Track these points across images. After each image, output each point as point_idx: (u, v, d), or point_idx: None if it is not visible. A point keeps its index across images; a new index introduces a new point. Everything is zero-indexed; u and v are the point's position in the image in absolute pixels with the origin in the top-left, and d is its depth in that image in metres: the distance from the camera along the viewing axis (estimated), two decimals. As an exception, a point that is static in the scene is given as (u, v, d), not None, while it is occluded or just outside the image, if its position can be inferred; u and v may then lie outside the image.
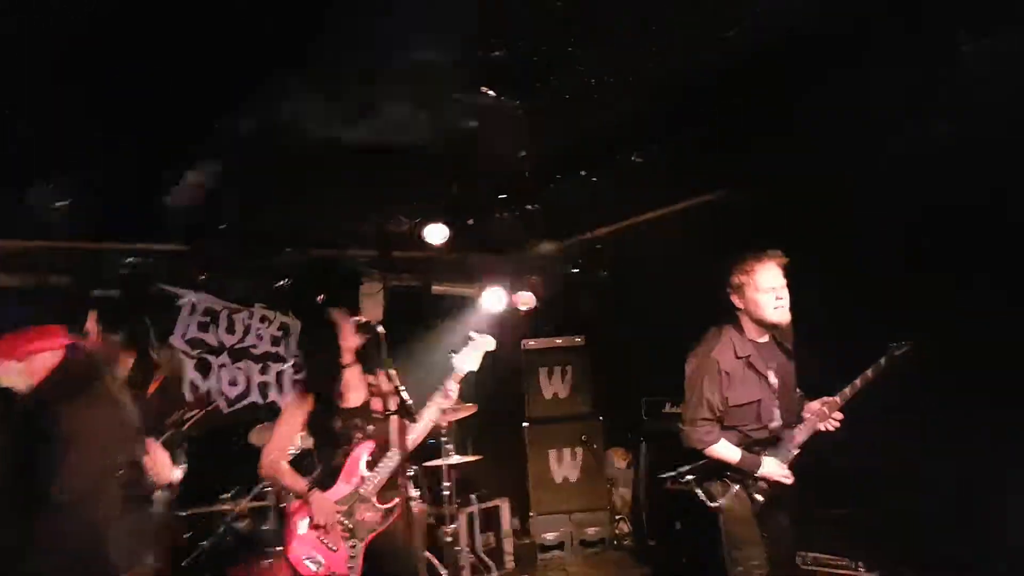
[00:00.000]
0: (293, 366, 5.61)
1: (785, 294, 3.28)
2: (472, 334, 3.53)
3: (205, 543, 4.24)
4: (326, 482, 3.24)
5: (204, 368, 5.29)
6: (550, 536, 6.30)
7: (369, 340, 3.24)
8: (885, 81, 3.33)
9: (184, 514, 4.33)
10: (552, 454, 6.52)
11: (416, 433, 3.42)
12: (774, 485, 3.33)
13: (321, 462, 3.34)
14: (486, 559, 5.46)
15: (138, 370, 3.04)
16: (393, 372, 3.39)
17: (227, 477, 4.57)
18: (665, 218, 5.41)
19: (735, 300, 3.38)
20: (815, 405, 3.49)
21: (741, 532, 3.33)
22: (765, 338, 3.41)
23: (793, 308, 3.33)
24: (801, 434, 3.39)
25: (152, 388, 2.98)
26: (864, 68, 3.21)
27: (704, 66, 3.17)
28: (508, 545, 5.92)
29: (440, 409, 3.40)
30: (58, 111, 3.21)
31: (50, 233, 4.48)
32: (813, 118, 3.70)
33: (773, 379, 3.39)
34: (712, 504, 3.38)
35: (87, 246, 4.73)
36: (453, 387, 3.43)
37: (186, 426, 2.81)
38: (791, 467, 3.36)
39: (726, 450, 3.34)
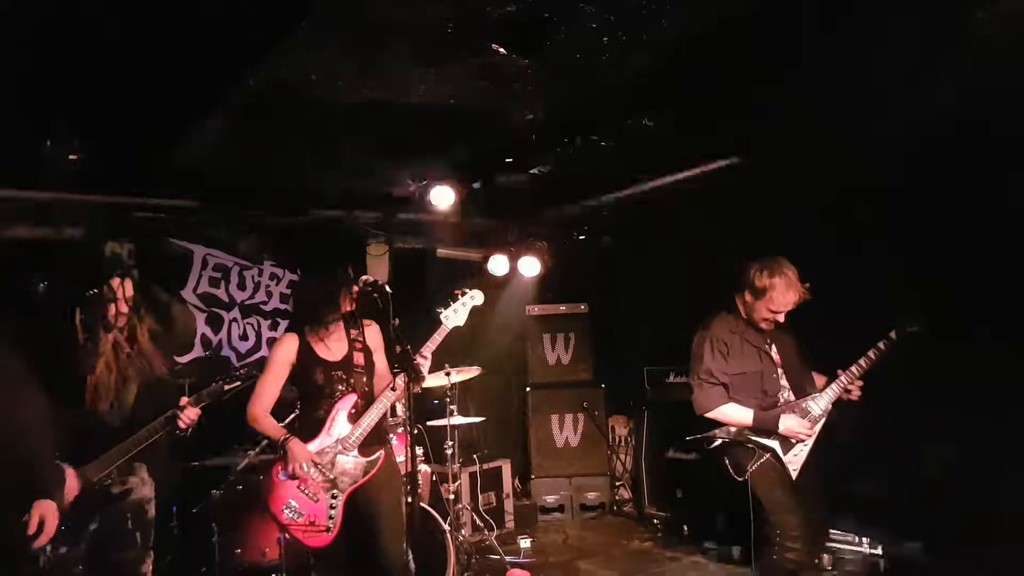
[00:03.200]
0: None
1: (784, 315, 3.45)
2: (461, 289, 3.54)
3: (215, 493, 4.33)
4: (309, 433, 3.28)
5: (215, 322, 5.38)
6: (550, 499, 6.41)
7: (375, 299, 3.27)
8: (897, 42, 3.28)
9: (195, 464, 4.44)
10: (554, 419, 6.61)
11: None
12: (808, 455, 3.40)
13: (303, 413, 3.39)
14: (487, 518, 5.57)
15: None
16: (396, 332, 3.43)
17: (237, 430, 4.64)
18: (673, 185, 5.41)
19: (746, 293, 3.49)
20: (823, 379, 3.60)
21: (776, 498, 3.37)
22: None
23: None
24: (824, 400, 3.46)
25: None
26: (877, 26, 3.17)
27: (719, 24, 3.13)
28: (509, 505, 6.02)
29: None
30: (71, 64, 3.24)
31: (63, 185, 4.54)
32: (827, 82, 3.69)
33: (775, 354, 3.55)
34: (740, 478, 3.43)
35: (100, 199, 4.79)
36: (436, 341, 3.43)
37: None
38: (819, 437, 3.43)
39: (736, 411, 3.44)
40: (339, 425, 3.28)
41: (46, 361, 3.03)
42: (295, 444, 3.21)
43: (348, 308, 3.41)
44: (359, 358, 3.41)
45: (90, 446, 2.97)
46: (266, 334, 5.63)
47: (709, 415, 3.50)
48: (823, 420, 3.45)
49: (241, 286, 5.53)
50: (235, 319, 5.48)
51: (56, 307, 3.14)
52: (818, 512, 3.49)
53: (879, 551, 4.57)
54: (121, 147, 4.10)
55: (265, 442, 4.37)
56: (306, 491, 3.21)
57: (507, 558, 5.05)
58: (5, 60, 3.08)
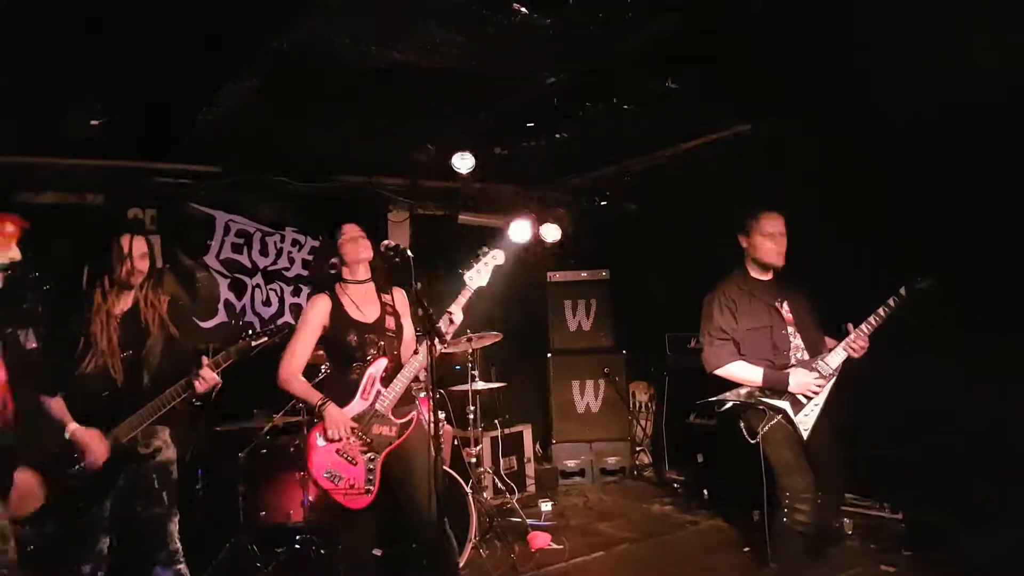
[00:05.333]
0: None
1: (783, 241, 3.54)
2: (482, 249, 3.53)
3: (240, 455, 4.40)
4: (342, 397, 3.29)
5: (239, 288, 5.42)
6: (571, 463, 6.47)
7: (397, 264, 3.27)
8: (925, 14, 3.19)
9: (220, 429, 4.51)
10: (575, 385, 6.64)
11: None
12: (820, 416, 3.40)
13: (334, 377, 3.40)
14: (508, 481, 5.62)
15: None
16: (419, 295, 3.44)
17: (261, 394, 4.70)
18: (697, 150, 5.32)
19: (742, 240, 3.63)
20: (833, 342, 3.58)
21: (786, 459, 3.38)
22: (768, 276, 3.63)
23: (794, 250, 3.55)
24: (835, 358, 3.45)
25: None
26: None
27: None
28: (530, 470, 6.09)
29: (450, 321, 3.38)
30: (93, 29, 3.22)
31: (85, 151, 4.55)
32: (854, 46, 3.59)
33: (786, 312, 3.56)
34: (752, 440, 3.45)
35: (121, 164, 4.80)
36: (462, 302, 3.42)
37: None
38: (831, 399, 3.43)
39: (745, 370, 3.46)
40: (373, 389, 3.31)
41: (64, 327, 3.08)
42: (333, 409, 3.23)
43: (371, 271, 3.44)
44: (390, 322, 3.43)
45: (117, 408, 3.02)
46: (289, 300, 5.68)
47: (719, 372, 3.52)
48: (834, 378, 3.45)
49: (263, 252, 5.57)
50: (258, 285, 5.52)
51: (77, 273, 3.15)
52: (834, 475, 3.48)
53: (899, 516, 4.57)
54: (143, 112, 4.10)
55: (290, 405, 4.42)
56: (344, 455, 3.23)
57: (528, 520, 5.11)
58: (25, 26, 3.07)
